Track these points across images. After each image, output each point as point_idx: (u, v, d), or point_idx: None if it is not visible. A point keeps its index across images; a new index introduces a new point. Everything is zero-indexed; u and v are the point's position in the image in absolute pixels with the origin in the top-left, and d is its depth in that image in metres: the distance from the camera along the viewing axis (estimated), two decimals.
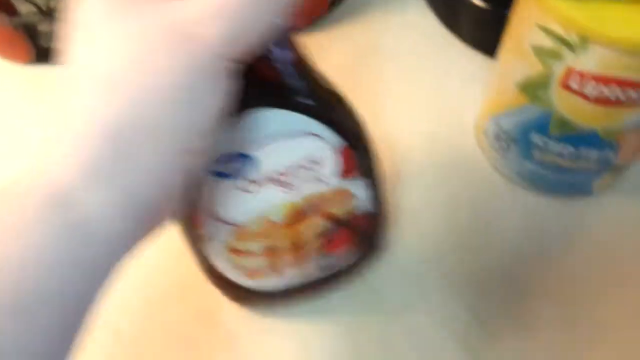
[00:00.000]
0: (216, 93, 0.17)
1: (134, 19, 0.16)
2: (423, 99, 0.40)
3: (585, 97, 0.28)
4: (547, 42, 0.28)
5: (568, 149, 0.32)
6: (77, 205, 0.16)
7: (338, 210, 0.27)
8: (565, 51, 0.27)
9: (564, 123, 0.30)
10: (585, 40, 0.26)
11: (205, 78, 0.16)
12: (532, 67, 0.30)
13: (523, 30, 0.30)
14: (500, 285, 0.33)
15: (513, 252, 0.34)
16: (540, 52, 0.29)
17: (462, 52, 0.42)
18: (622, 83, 0.27)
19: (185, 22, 0.16)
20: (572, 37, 0.27)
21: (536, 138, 0.32)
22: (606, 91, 0.28)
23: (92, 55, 0.17)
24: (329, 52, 0.42)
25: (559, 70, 0.28)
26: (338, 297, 0.33)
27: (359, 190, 0.27)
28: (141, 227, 0.18)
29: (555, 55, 0.28)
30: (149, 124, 0.16)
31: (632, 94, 0.28)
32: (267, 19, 0.17)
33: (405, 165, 0.37)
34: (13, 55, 0.43)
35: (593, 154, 0.32)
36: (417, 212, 0.35)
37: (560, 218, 0.35)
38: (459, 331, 0.31)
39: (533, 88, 0.30)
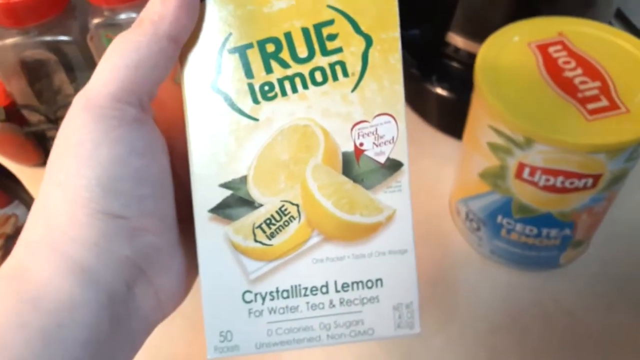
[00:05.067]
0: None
1: None
2: None
3: (537, 185, 0.32)
4: (499, 140, 0.32)
5: (531, 229, 0.35)
6: (25, 272, 0.18)
7: None
8: (514, 148, 0.31)
9: (523, 207, 0.34)
10: (530, 140, 0.30)
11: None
12: (489, 160, 0.33)
13: (478, 129, 0.34)
14: (478, 354, 0.35)
15: (488, 323, 0.36)
16: (494, 148, 0.32)
17: (433, 136, 0.46)
18: (566, 174, 0.31)
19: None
20: (519, 137, 0.30)
21: (502, 220, 0.36)
22: (554, 181, 0.31)
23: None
24: None
25: (512, 163, 0.32)
26: None
27: None
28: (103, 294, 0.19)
29: (507, 151, 0.32)
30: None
31: (577, 182, 0.31)
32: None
33: None
34: (25, 160, 0.47)
35: (553, 232, 0.35)
36: None
37: (532, 290, 0.38)
38: None
39: (492, 178, 0.34)
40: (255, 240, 0.21)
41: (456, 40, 0.44)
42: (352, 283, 0.21)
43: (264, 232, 0.21)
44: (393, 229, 0.21)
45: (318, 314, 0.21)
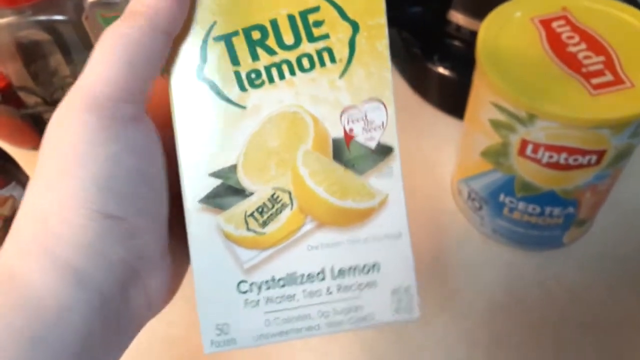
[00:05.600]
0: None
1: None
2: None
3: (540, 163, 0.31)
4: (501, 117, 0.31)
5: (534, 208, 0.35)
6: (15, 274, 0.17)
7: None
8: (517, 125, 0.31)
9: (526, 185, 0.33)
10: (532, 116, 0.29)
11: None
12: (491, 138, 0.33)
13: (480, 107, 0.33)
14: (479, 334, 0.35)
15: (489, 303, 0.36)
16: (496, 125, 0.32)
17: (434, 116, 0.46)
18: (570, 150, 0.30)
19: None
20: (521, 113, 0.30)
21: (505, 199, 0.35)
22: (557, 157, 0.31)
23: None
24: None
25: (514, 140, 0.31)
26: None
27: None
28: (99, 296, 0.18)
29: (510, 128, 0.31)
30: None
31: (581, 159, 0.31)
32: None
33: None
34: (21, 142, 0.46)
35: (556, 210, 0.35)
36: None
37: (534, 270, 0.38)
38: None
39: (495, 156, 0.34)
40: (248, 229, 0.20)
41: (457, 18, 0.43)
42: (349, 269, 0.21)
43: (256, 220, 0.20)
44: (386, 213, 0.21)
45: (316, 301, 0.21)
